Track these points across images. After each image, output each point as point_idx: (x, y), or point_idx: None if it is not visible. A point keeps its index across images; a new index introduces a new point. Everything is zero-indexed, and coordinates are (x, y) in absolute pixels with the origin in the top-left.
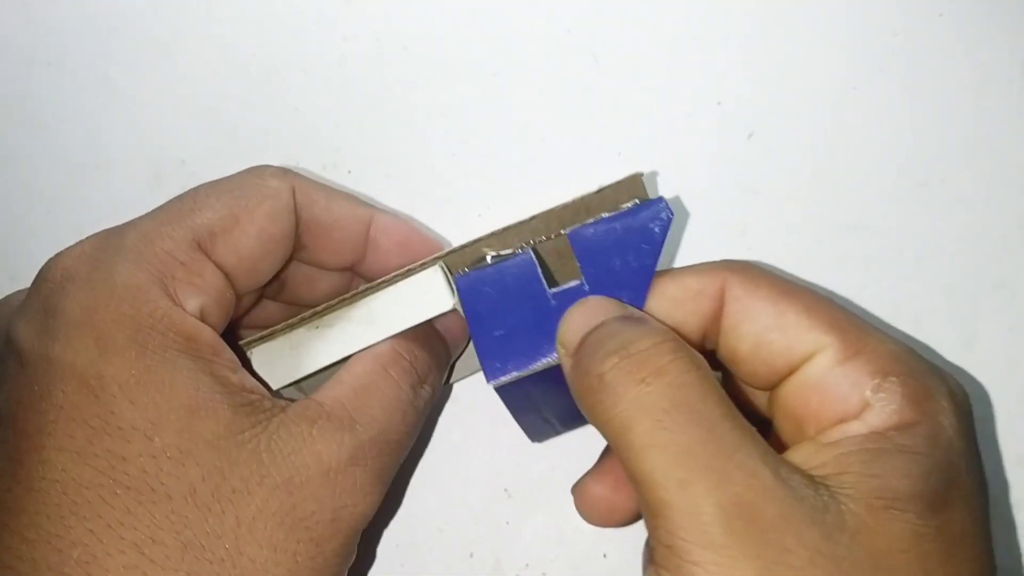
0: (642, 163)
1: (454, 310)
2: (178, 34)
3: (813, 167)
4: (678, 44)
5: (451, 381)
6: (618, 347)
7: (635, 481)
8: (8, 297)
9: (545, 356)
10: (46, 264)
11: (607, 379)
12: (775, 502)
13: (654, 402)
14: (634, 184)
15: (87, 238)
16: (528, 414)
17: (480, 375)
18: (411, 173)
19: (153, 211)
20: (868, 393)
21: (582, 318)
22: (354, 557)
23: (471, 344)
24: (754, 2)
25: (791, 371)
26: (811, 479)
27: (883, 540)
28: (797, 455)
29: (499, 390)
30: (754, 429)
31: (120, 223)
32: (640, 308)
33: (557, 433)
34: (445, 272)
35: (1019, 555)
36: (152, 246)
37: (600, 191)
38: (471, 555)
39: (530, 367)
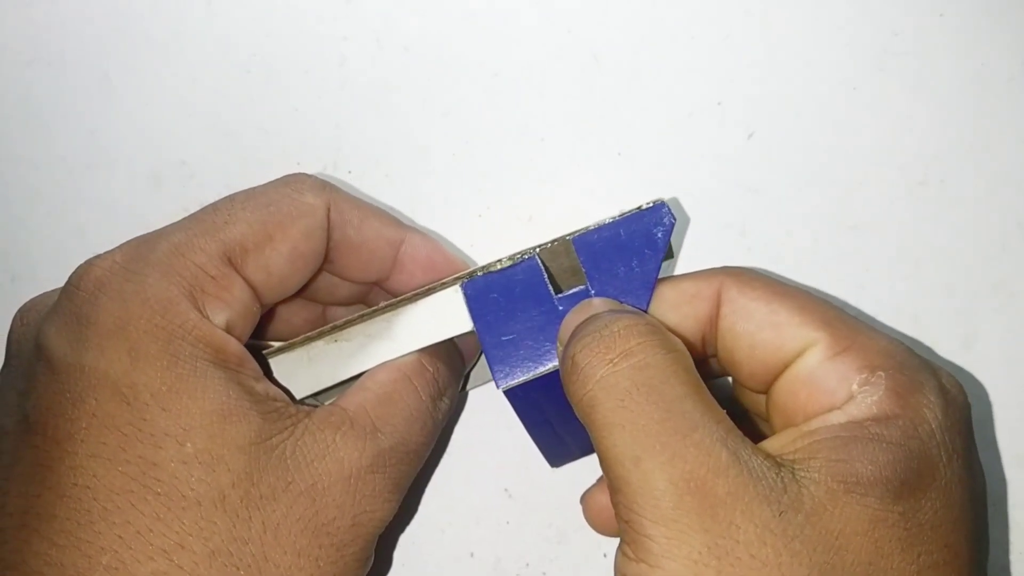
0: (642, 163)
1: (472, 332)
2: (178, 34)
3: (813, 167)
4: (678, 44)
5: (467, 388)
6: (592, 331)
7: (600, 458)
8: (34, 301)
9: (552, 360)
10: (77, 272)
11: (577, 360)
12: (727, 479)
13: (617, 382)
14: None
15: (119, 247)
16: (542, 428)
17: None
18: (411, 173)
19: (186, 220)
20: (854, 387)
21: (576, 315)
22: (372, 561)
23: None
24: (754, 2)
25: (784, 367)
26: (775, 462)
27: (838, 522)
28: (775, 442)
29: (508, 394)
30: (722, 412)
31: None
32: (645, 310)
33: (574, 457)
34: (466, 293)
35: (1020, 553)
36: (183, 259)
37: (622, 215)
38: (471, 555)
39: (537, 371)
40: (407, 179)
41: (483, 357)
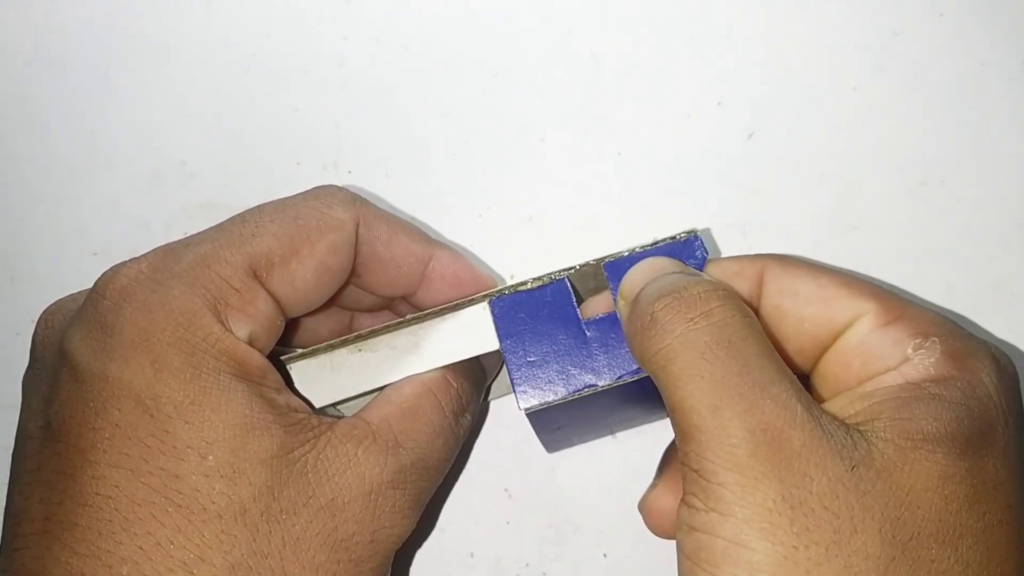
0: (642, 163)
1: (499, 351)
2: (178, 34)
3: (813, 167)
4: (678, 44)
5: (488, 399)
6: (671, 290)
7: (672, 409)
8: (60, 304)
9: (577, 386)
10: (103, 279)
11: (658, 316)
12: (802, 431)
13: (698, 337)
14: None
15: (145, 256)
16: (552, 433)
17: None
18: (411, 173)
19: (213, 230)
20: (909, 351)
21: (643, 273)
22: None
23: (503, 370)
24: (754, 2)
25: (834, 340)
26: (843, 423)
27: (909, 478)
28: (833, 406)
29: (529, 416)
30: (792, 374)
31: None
32: None
33: (571, 445)
34: (493, 312)
35: None
36: (208, 271)
37: (655, 245)
38: (471, 555)
39: (562, 396)
40: (407, 179)
41: (501, 373)
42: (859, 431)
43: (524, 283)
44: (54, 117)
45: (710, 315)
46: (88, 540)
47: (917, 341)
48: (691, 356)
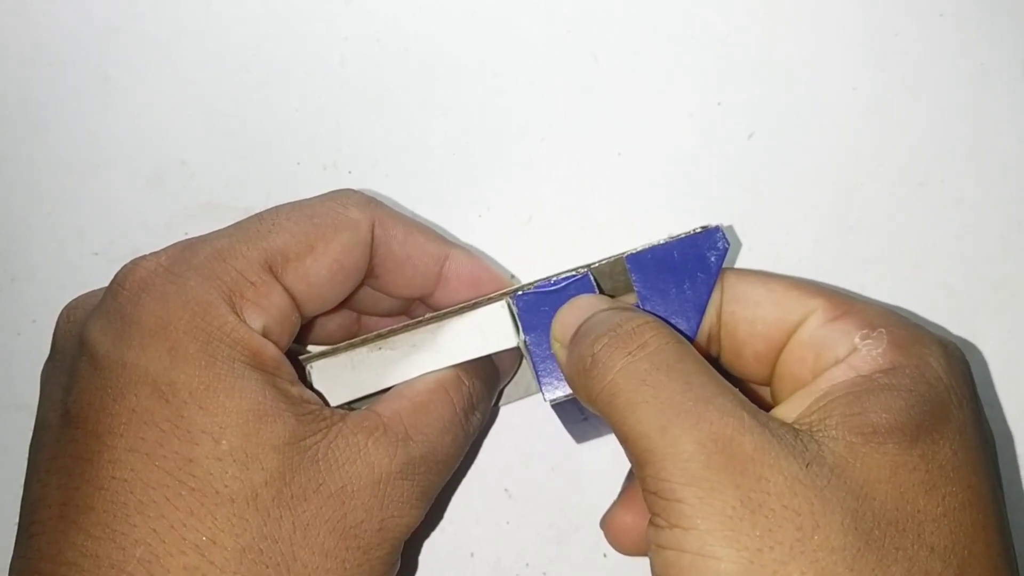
0: (642, 163)
1: (514, 348)
2: (178, 34)
3: (813, 167)
4: (678, 44)
5: (499, 404)
6: (607, 329)
7: (624, 440)
8: (81, 299)
9: None
10: (122, 271)
11: (599, 356)
12: (752, 436)
13: (638, 367)
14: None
15: (163, 249)
16: (577, 424)
17: (524, 402)
18: (411, 173)
19: (230, 227)
20: (856, 340)
21: (574, 314)
22: (398, 566)
23: (519, 372)
24: (754, 2)
25: (787, 340)
26: (791, 427)
27: (862, 472)
28: (785, 408)
29: (554, 407)
30: (735, 388)
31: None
32: (693, 334)
33: (600, 435)
34: (511, 309)
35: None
36: (224, 264)
37: (675, 238)
38: (471, 555)
39: None
40: (407, 179)
41: (517, 375)
42: (809, 434)
43: (547, 279)
44: (54, 117)
45: (646, 346)
46: (103, 523)
47: (864, 332)
48: (634, 385)
